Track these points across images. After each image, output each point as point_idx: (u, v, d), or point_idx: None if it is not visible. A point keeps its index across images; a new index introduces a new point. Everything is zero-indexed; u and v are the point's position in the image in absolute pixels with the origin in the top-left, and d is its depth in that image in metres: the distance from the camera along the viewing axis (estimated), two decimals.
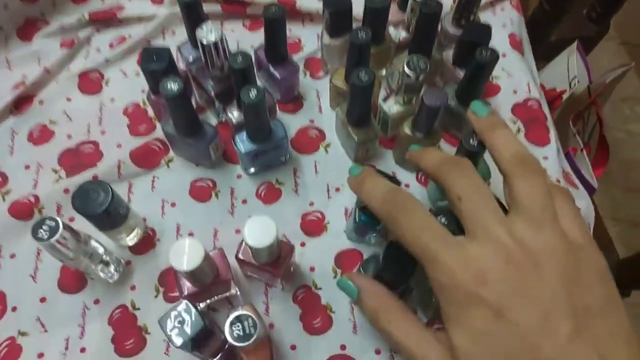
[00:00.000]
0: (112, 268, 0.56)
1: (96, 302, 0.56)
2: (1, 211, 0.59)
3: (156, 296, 0.56)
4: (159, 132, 0.65)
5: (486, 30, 0.59)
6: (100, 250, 0.53)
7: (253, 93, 0.51)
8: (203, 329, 0.42)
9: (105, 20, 0.73)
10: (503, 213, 0.37)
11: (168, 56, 0.56)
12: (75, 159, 0.64)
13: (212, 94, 0.62)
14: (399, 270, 0.44)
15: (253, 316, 0.43)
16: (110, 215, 0.52)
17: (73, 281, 0.57)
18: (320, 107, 0.69)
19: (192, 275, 0.46)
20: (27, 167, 0.63)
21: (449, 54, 0.64)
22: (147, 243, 0.59)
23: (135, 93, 0.68)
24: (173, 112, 0.55)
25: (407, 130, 0.59)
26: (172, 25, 0.74)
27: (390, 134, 0.65)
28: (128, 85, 0.69)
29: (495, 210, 0.37)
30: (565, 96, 0.99)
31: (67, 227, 0.47)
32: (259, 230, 0.46)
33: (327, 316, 0.56)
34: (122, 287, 0.57)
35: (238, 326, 0.43)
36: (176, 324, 0.42)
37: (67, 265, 0.56)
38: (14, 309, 0.55)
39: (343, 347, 0.54)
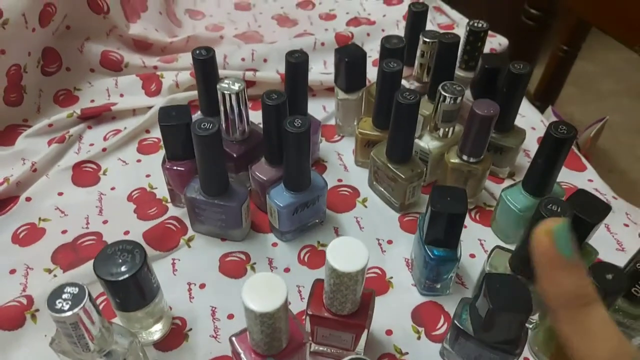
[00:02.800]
0: None
1: None
2: None
3: None
4: (173, 212, 0.57)
5: (501, 58, 0.60)
6: (124, 343, 0.40)
7: (299, 122, 0.46)
8: None
9: (97, 116, 0.67)
10: None
11: (188, 112, 0.51)
12: (74, 254, 0.53)
13: (235, 156, 0.56)
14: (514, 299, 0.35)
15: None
16: (140, 285, 0.40)
17: None
18: (345, 166, 0.64)
19: (268, 328, 0.35)
20: (12, 271, 0.51)
21: (467, 94, 0.63)
22: (177, 336, 0.47)
23: (139, 179, 0.61)
24: (204, 160, 0.47)
25: (453, 158, 0.55)
26: None
27: (429, 179, 0.60)
28: (130, 172, 0.62)
29: None
30: None
31: (91, 298, 0.36)
32: (344, 253, 0.37)
33: None
34: None
35: None
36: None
37: None
38: None
39: None
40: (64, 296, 0.35)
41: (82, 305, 0.34)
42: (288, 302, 0.35)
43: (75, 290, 0.35)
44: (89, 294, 0.35)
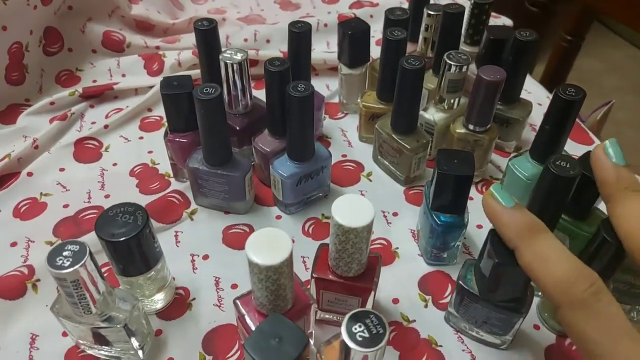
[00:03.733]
0: (134, 343, 0.41)
1: None
2: None
3: None
4: (175, 186, 0.56)
5: (507, 30, 0.59)
6: (126, 308, 0.39)
7: (302, 87, 0.45)
8: None
9: (99, 95, 0.67)
10: None
11: (191, 82, 0.51)
12: (75, 227, 0.52)
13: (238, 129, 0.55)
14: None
15: (375, 312, 0.31)
16: (142, 248, 0.39)
17: None
18: (349, 142, 0.63)
19: (272, 284, 0.34)
20: (13, 244, 0.50)
21: (472, 68, 0.62)
22: (180, 305, 0.46)
23: (141, 155, 0.60)
24: (206, 127, 0.47)
25: (459, 128, 0.54)
26: None
27: (435, 152, 0.59)
28: (132, 148, 0.61)
29: None
30: None
31: (92, 256, 0.35)
32: (350, 210, 0.36)
33: (434, 352, 0.43)
34: None
35: (360, 327, 0.30)
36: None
37: (79, 340, 0.41)
38: None
39: None
40: (65, 253, 0.34)
41: (83, 261, 0.34)
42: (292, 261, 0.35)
43: (76, 247, 0.34)
44: (90, 252, 0.35)
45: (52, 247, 0.34)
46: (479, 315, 0.40)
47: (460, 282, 0.40)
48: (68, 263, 0.34)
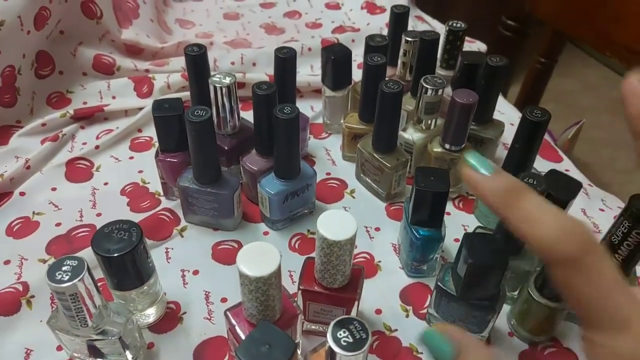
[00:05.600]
0: (128, 356, 0.43)
1: None
2: None
3: None
4: (165, 204, 0.58)
5: (480, 55, 0.63)
6: (120, 322, 0.41)
7: (288, 109, 0.48)
8: None
9: (89, 116, 0.69)
10: None
11: (181, 104, 0.53)
12: (68, 245, 0.53)
13: (226, 148, 0.57)
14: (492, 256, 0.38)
15: (359, 319, 0.34)
16: (136, 264, 0.41)
17: None
18: (333, 160, 0.66)
19: (262, 295, 0.36)
20: (6, 262, 0.51)
21: (447, 91, 0.66)
22: (172, 319, 0.48)
23: (131, 175, 0.62)
24: (197, 147, 0.49)
25: (436, 147, 0.57)
26: None
27: (414, 170, 0.63)
28: (122, 168, 0.63)
29: None
30: None
31: (90, 271, 0.37)
32: (334, 224, 0.39)
33: (416, 359, 0.45)
34: None
35: (344, 333, 0.33)
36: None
37: (74, 354, 0.42)
38: None
39: None
40: (64, 268, 0.36)
41: (81, 276, 0.35)
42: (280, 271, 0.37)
43: (75, 262, 0.36)
44: (88, 267, 0.36)
45: (51, 262, 0.36)
46: (457, 314, 0.43)
47: (439, 283, 0.43)
48: (67, 277, 0.35)
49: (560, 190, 0.44)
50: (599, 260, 0.26)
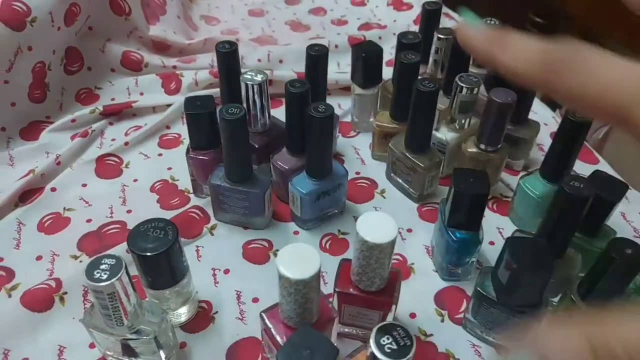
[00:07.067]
0: (162, 355, 0.42)
1: None
2: (10, 306, 0.46)
3: None
4: (195, 202, 0.57)
5: None
6: (155, 321, 0.41)
7: (322, 107, 0.47)
8: None
9: (118, 113, 0.69)
10: None
11: (213, 102, 0.52)
12: (99, 242, 0.53)
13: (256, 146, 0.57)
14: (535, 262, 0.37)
15: (402, 325, 0.33)
16: (171, 262, 0.41)
17: None
18: (362, 159, 0.65)
19: (301, 298, 0.35)
20: (38, 257, 0.51)
21: (481, 90, 0.65)
22: (204, 318, 0.47)
23: (161, 171, 0.62)
24: (230, 145, 0.48)
25: (471, 147, 0.56)
26: None
27: (447, 171, 0.61)
28: (152, 165, 0.63)
29: None
30: None
31: (127, 270, 0.36)
32: (374, 226, 0.38)
33: None
34: None
35: (388, 339, 0.32)
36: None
37: (106, 352, 0.42)
38: None
39: None
40: (102, 267, 0.35)
41: (119, 274, 0.35)
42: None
43: (113, 261, 0.36)
44: (126, 266, 0.36)
45: (82, 259, 0.36)
46: (496, 320, 0.42)
47: (478, 288, 0.42)
48: (105, 276, 0.35)
49: (607, 192, 0.43)
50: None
